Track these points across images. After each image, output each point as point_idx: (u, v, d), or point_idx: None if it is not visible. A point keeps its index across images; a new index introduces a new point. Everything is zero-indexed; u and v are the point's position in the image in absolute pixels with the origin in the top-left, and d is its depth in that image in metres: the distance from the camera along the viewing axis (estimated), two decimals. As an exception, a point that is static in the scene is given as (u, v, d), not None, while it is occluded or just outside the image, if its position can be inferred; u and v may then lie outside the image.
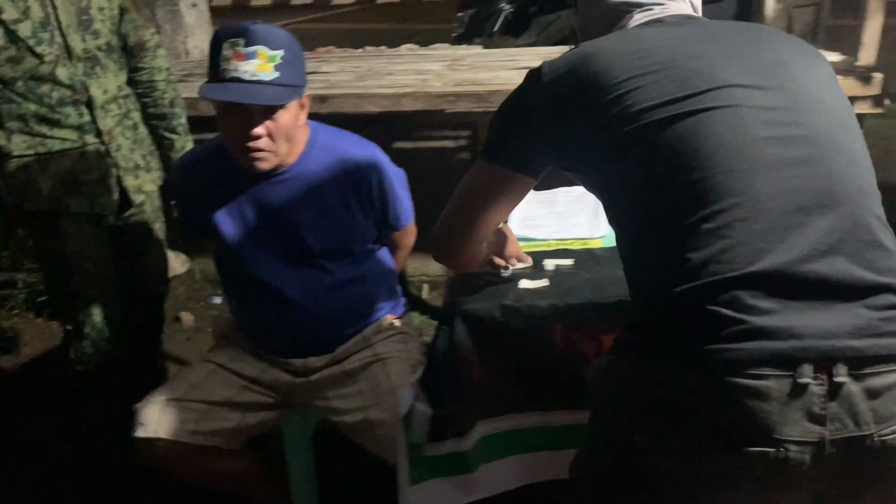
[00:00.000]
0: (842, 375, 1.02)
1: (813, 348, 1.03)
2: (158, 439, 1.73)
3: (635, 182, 1.18)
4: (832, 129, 1.16)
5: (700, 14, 1.36)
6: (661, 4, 1.32)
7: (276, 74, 1.63)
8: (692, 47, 1.20)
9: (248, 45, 1.60)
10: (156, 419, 1.73)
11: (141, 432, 1.73)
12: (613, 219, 1.27)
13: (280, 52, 1.63)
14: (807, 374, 1.02)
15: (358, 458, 1.90)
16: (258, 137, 1.65)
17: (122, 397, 2.27)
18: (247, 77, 1.61)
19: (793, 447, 1.03)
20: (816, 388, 1.02)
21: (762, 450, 1.04)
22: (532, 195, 2.16)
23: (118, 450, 2.18)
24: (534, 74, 1.26)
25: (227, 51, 1.61)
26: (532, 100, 1.26)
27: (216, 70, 1.63)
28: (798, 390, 1.02)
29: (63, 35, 2.05)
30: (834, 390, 1.03)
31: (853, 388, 1.03)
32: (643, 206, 1.18)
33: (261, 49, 1.61)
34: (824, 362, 1.03)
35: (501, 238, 1.66)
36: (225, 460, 1.82)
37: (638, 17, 1.30)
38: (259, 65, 1.61)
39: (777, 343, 1.03)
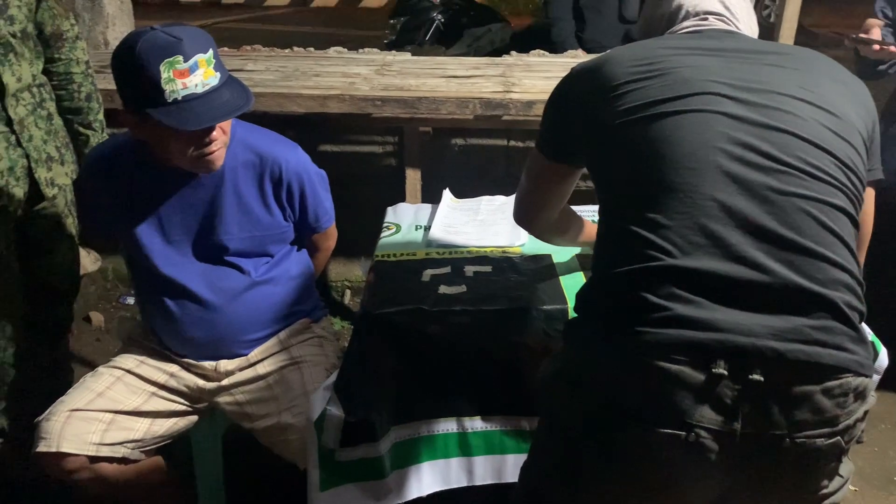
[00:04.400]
0: (756, 374, 1.05)
1: (731, 342, 1.06)
2: (61, 453, 1.65)
3: (613, 177, 1.26)
4: (803, 151, 1.16)
5: (747, 32, 1.39)
6: (713, 14, 1.37)
7: (219, 74, 1.58)
8: (696, 59, 1.25)
9: (186, 59, 1.52)
10: (58, 432, 1.65)
11: (42, 447, 1.65)
12: (600, 214, 1.31)
13: (210, 52, 1.57)
14: (721, 366, 1.05)
15: (268, 464, 1.86)
16: (215, 140, 1.60)
17: (25, 403, 2.18)
18: (200, 90, 1.54)
19: (703, 433, 1.06)
20: (730, 381, 1.05)
21: (673, 432, 1.07)
22: (454, 203, 2.19)
23: (23, 463, 2.08)
24: (568, 72, 1.36)
25: (165, 73, 1.51)
26: (561, 94, 1.37)
27: (157, 94, 1.51)
28: (712, 380, 1.06)
29: (-25, 19, 1.95)
30: (748, 388, 1.05)
31: (768, 389, 1.06)
32: (616, 200, 1.25)
33: (199, 57, 1.54)
34: (741, 358, 1.05)
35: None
36: (132, 470, 1.76)
37: (686, 25, 1.38)
38: (204, 73, 1.55)
39: (696, 333, 1.07)
